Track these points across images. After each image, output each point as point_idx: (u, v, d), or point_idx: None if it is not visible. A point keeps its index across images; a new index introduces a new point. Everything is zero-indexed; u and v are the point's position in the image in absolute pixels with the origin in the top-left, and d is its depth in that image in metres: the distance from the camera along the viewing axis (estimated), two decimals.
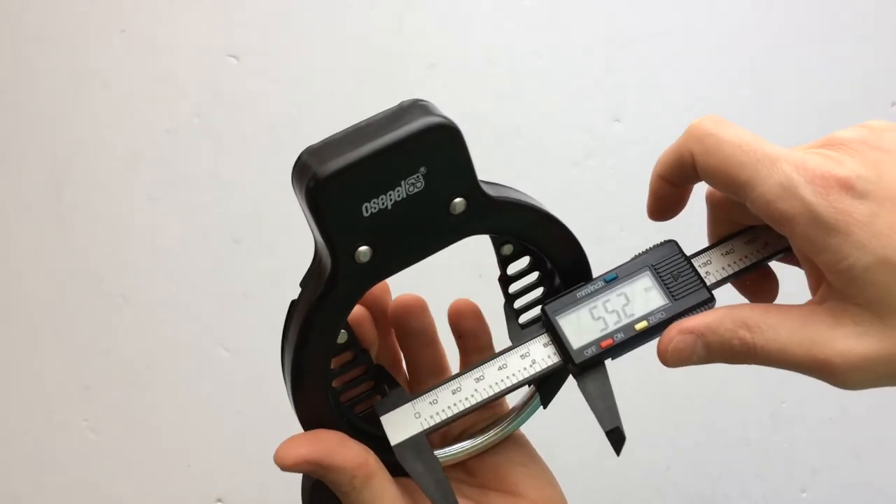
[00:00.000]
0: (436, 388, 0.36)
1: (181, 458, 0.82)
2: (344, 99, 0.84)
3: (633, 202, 0.87)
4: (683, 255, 0.37)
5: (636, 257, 0.37)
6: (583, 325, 0.36)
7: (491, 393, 0.36)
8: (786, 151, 0.31)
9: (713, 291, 0.36)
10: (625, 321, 0.35)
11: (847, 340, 0.30)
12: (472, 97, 0.84)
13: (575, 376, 0.36)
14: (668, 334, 0.34)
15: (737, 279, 0.37)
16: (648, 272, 0.36)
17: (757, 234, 0.37)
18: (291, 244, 0.83)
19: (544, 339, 0.37)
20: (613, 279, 0.36)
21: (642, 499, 0.80)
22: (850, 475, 0.80)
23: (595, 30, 0.85)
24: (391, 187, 0.31)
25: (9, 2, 0.87)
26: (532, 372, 0.36)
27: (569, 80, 0.84)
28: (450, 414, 0.35)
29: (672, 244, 0.37)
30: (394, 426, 0.36)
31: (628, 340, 0.35)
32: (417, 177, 0.31)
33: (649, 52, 0.84)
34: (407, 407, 0.36)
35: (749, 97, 0.83)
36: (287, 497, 0.82)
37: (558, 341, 0.36)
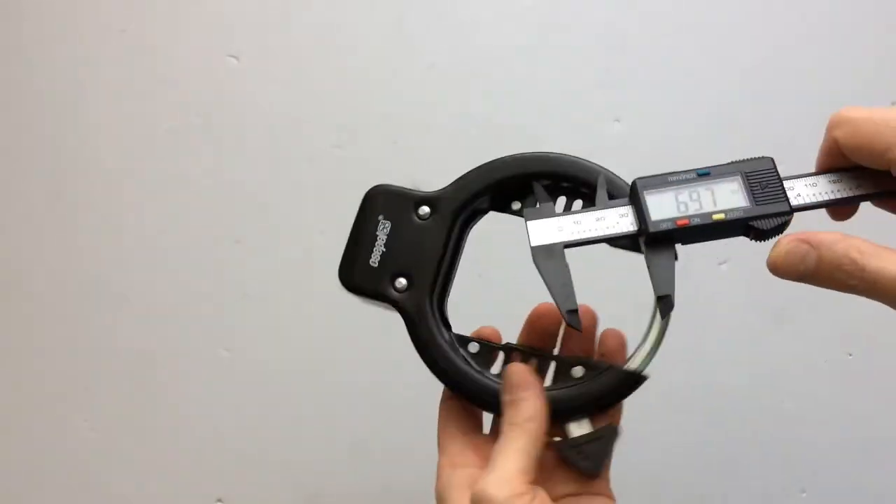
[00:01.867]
0: (580, 212, 0.40)
1: (181, 458, 0.82)
2: (344, 99, 0.84)
3: None
4: (776, 171, 0.39)
5: (732, 162, 0.39)
6: (665, 203, 0.38)
7: (617, 230, 0.40)
8: None
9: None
10: (705, 210, 0.38)
11: None
12: (472, 97, 0.84)
13: (645, 245, 0.39)
14: (784, 239, 0.36)
15: (816, 208, 0.39)
16: (739, 177, 0.39)
17: (847, 175, 0.39)
18: (291, 244, 0.83)
19: (622, 210, 0.40)
20: (706, 174, 0.39)
21: (642, 499, 0.80)
22: (850, 475, 0.80)
23: (595, 30, 0.85)
24: (375, 239, 0.43)
25: (9, 2, 0.87)
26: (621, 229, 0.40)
27: (569, 80, 0.84)
28: (590, 235, 0.40)
29: (769, 160, 0.39)
30: (536, 231, 0.40)
31: (703, 227, 0.38)
32: (382, 222, 0.44)
33: (649, 52, 0.84)
34: (552, 220, 0.40)
35: (749, 97, 0.83)
36: (287, 497, 0.82)
37: (639, 212, 0.39)
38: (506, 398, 0.40)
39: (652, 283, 0.38)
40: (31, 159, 0.85)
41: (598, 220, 0.40)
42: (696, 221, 0.38)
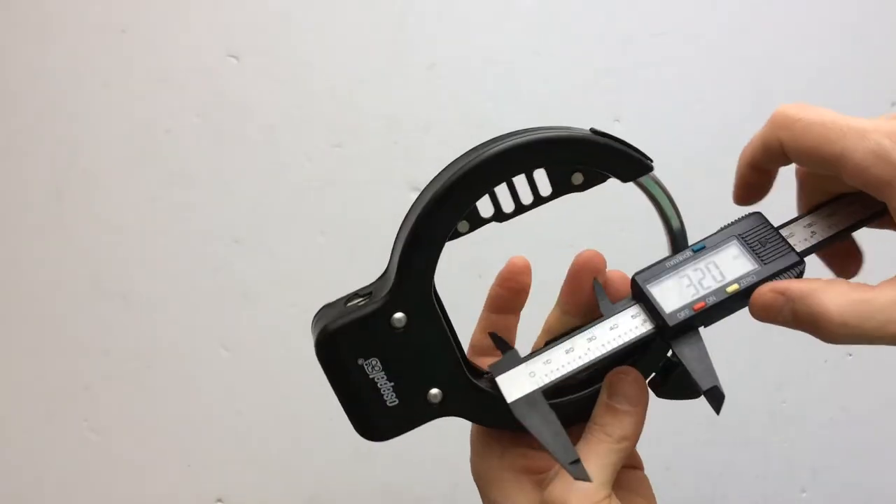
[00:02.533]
0: (547, 349, 0.37)
1: (181, 458, 0.82)
2: (344, 99, 0.84)
3: (632, 202, 0.87)
4: (769, 224, 0.37)
5: (722, 229, 0.38)
6: (673, 291, 0.36)
7: (602, 352, 0.37)
8: (873, 122, 0.33)
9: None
10: (716, 285, 0.36)
11: None
12: (472, 97, 0.84)
13: (670, 340, 0.36)
14: (761, 290, 0.35)
15: (822, 248, 0.37)
16: (736, 241, 0.37)
17: (838, 206, 0.37)
18: (291, 244, 0.83)
19: (632, 311, 0.37)
20: (701, 249, 0.37)
21: None
22: (850, 475, 0.80)
23: (595, 30, 0.85)
24: (374, 384, 0.38)
25: (9, 2, 0.87)
26: (621, 342, 0.37)
27: (569, 80, 0.84)
28: (563, 372, 0.37)
29: (758, 215, 0.37)
30: (509, 385, 0.37)
31: (720, 304, 0.36)
32: (366, 364, 0.37)
33: (649, 52, 0.84)
34: (521, 367, 0.37)
35: (749, 97, 0.83)
36: (287, 497, 0.82)
37: (650, 309, 0.36)
38: (609, 402, 0.37)
39: (694, 378, 0.36)
40: (31, 159, 0.85)
41: (611, 328, 0.37)
42: (712, 301, 0.36)
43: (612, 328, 0.37)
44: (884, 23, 0.84)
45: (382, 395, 0.38)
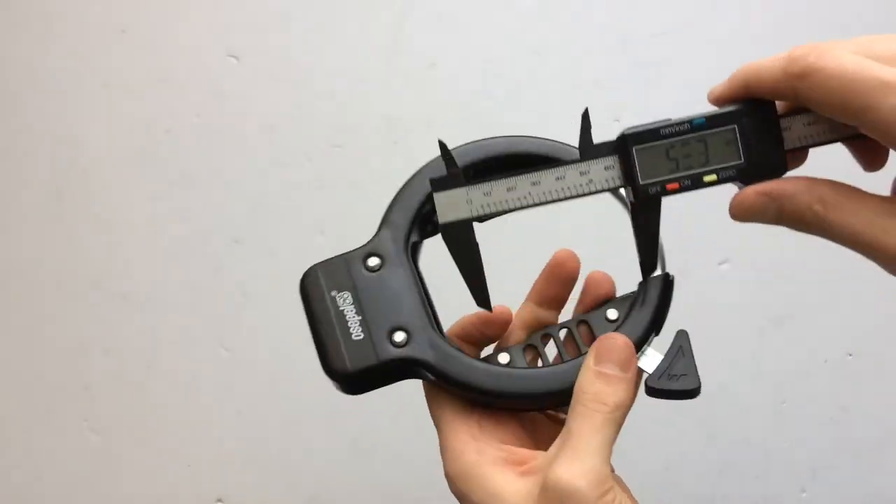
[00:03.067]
0: (492, 181, 0.37)
1: (181, 458, 0.82)
2: (344, 99, 0.84)
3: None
4: (775, 118, 0.36)
5: (731, 108, 0.37)
6: (656, 161, 0.36)
7: (544, 199, 0.37)
8: None
9: (799, 154, 0.36)
10: (696, 170, 0.36)
11: None
12: (472, 97, 0.84)
13: (631, 205, 0.37)
14: (745, 193, 0.35)
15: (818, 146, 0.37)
16: (735, 127, 0.36)
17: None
18: (291, 244, 0.83)
19: (608, 161, 0.37)
20: (700, 124, 0.36)
21: (642, 499, 0.80)
22: (850, 475, 0.80)
23: (595, 29, 0.85)
24: (343, 315, 0.38)
25: (9, 2, 0.87)
26: (587, 189, 0.37)
27: (569, 80, 0.84)
28: (500, 208, 0.37)
29: (771, 103, 0.36)
30: (445, 206, 0.37)
31: (692, 187, 0.36)
32: (338, 296, 0.39)
33: (649, 51, 0.84)
34: (461, 191, 0.37)
35: None
36: (287, 497, 0.82)
37: (628, 169, 0.36)
38: (598, 369, 0.36)
39: (637, 248, 0.38)
40: (31, 159, 0.85)
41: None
42: (687, 184, 0.36)
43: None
44: (884, 23, 0.84)
45: (349, 327, 0.38)
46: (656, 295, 0.39)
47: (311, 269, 0.39)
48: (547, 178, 0.37)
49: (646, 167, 0.36)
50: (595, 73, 0.84)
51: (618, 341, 0.37)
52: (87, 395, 0.83)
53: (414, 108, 0.83)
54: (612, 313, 0.40)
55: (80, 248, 0.84)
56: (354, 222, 0.83)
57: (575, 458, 0.34)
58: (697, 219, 0.83)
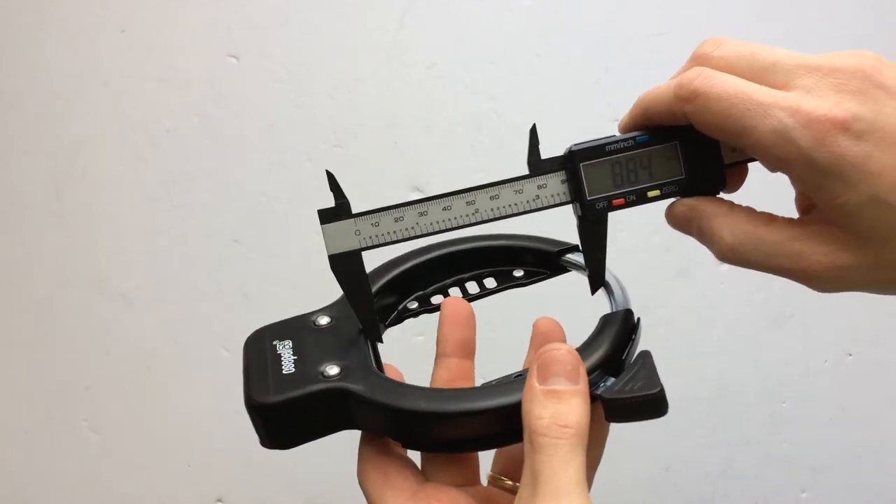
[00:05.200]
0: (379, 212, 0.38)
1: (181, 458, 0.82)
2: (344, 99, 0.84)
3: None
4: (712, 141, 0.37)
5: (672, 128, 0.37)
6: (602, 177, 0.37)
7: (436, 228, 0.37)
8: (779, 96, 0.32)
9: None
10: (640, 186, 0.37)
11: (831, 256, 0.33)
12: (472, 97, 0.84)
13: (579, 220, 0.38)
14: (680, 202, 0.37)
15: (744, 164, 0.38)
16: (677, 143, 0.37)
17: None
18: (291, 244, 0.83)
19: (547, 179, 0.37)
20: (644, 141, 0.37)
21: (642, 499, 0.80)
22: (850, 475, 0.80)
23: (594, 30, 0.85)
24: (279, 358, 0.39)
25: (9, 2, 0.87)
26: (552, 202, 0.37)
27: (568, 80, 0.84)
28: (388, 239, 0.38)
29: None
30: (334, 237, 0.38)
31: (637, 202, 0.37)
32: (280, 343, 0.40)
33: (648, 52, 0.84)
34: (349, 222, 0.38)
35: None
36: (287, 497, 0.82)
37: (575, 185, 0.37)
38: (546, 387, 0.31)
39: (585, 260, 0.38)
40: (32, 159, 0.85)
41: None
42: (632, 199, 0.37)
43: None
44: (884, 23, 0.84)
45: (282, 364, 0.38)
46: (614, 331, 0.37)
47: (258, 329, 0.40)
48: (433, 210, 0.37)
49: (593, 183, 0.37)
50: (595, 73, 0.84)
51: (559, 350, 0.32)
52: (87, 395, 0.83)
53: (414, 108, 0.83)
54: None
55: (80, 248, 0.84)
56: None
57: (555, 501, 0.29)
58: None
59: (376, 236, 0.37)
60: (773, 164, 0.33)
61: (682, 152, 0.37)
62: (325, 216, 0.38)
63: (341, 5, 0.85)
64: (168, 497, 0.82)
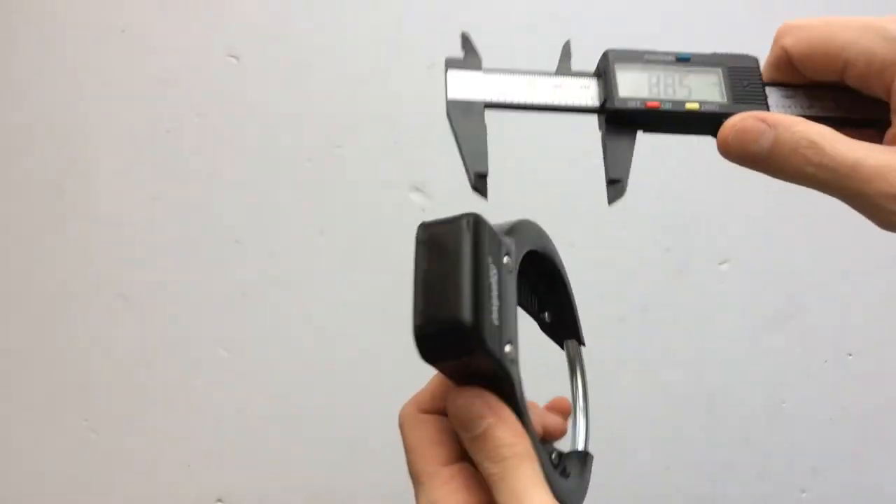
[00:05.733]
0: (509, 72, 0.37)
1: (181, 458, 0.82)
2: (344, 99, 0.84)
3: (633, 203, 0.87)
4: (759, 72, 0.36)
5: (715, 54, 0.36)
6: (638, 81, 0.35)
7: (573, 102, 0.36)
8: (872, 17, 0.32)
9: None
10: (678, 96, 0.35)
11: None
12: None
13: (605, 124, 0.35)
14: (741, 116, 0.33)
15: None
16: (720, 70, 0.35)
17: (826, 92, 0.35)
18: (291, 244, 0.83)
19: (588, 81, 0.36)
20: (686, 59, 0.35)
21: (643, 499, 0.80)
22: (850, 475, 0.80)
23: (594, 30, 0.85)
24: (490, 290, 0.31)
25: (9, 2, 0.87)
26: (580, 103, 0.36)
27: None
28: (513, 101, 0.36)
29: (754, 59, 0.36)
30: (457, 84, 0.36)
31: (672, 113, 0.34)
32: (491, 267, 0.31)
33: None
34: (477, 73, 0.37)
35: None
36: (287, 497, 0.82)
37: (607, 84, 0.35)
38: (468, 435, 0.31)
39: (605, 165, 0.34)
40: (32, 159, 0.85)
41: (555, 87, 0.37)
42: (668, 107, 0.34)
43: (555, 87, 0.37)
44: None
45: (492, 307, 0.30)
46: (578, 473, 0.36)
47: (478, 217, 0.32)
48: (544, 84, 0.37)
49: (626, 83, 0.35)
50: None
51: (458, 400, 0.31)
52: (87, 395, 0.83)
53: (414, 108, 0.83)
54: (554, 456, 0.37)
55: (80, 248, 0.84)
56: (354, 222, 0.83)
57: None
58: (697, 219, 0.83)
59: (504, 94, 0.36)
60: (877, 72, 0.32)
61: (726, 80, 0.35)
62: (453, 63, 0.36)
63: (341, 5, 0.85)
64: (168, 497, 0.82)
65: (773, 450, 0.80)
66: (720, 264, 0.80)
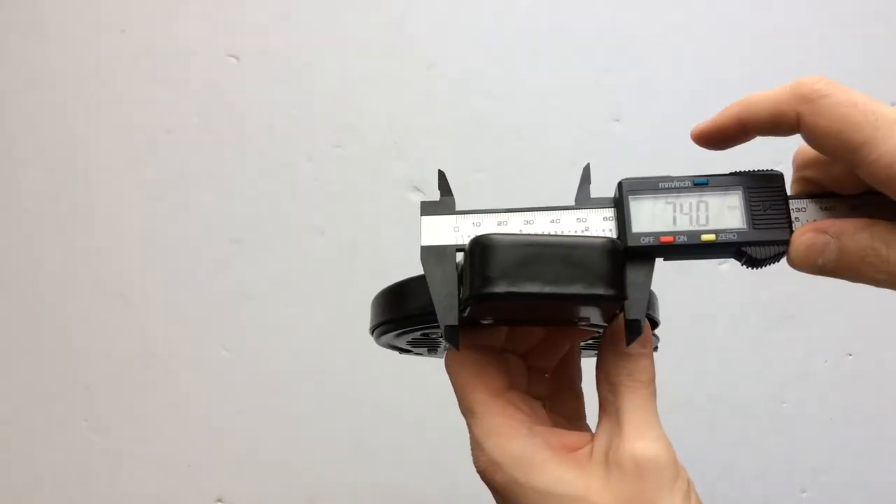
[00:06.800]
0: (483, 212, 0.35)
1: (181, 458, 0.82)
2: (344, 99, 0.84)
3: None
4: (784, 190, 0.34)
5: (736, 173, 0.35)
6: (652, 213, 0.34)
7: (559, 234, 0.35)
8: None
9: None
10: (694, 227, 0.34)
11: None
12: (472, 97, 0.84)
13: (624, 258, 0.34)
14: (802, 230, 0.33)
15: None
16: (741, 192, 0.34)
17: (861, 203, 0.34)
18: (291, 244, 0.83)
19: (606, 212, 0.35)
20: (703, 184, 0.34)
21: None
22: (850, 475, 0.80)
23: (595, 30, 0.85)
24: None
25: (9, 2, 0.87)
26: (598, 237, 0.34)
27: (568, 80, 0.84)
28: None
29: (779, 177, 0.34)
30: (430, 230, 0.35)
31: (689, 246, 0.34)
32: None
33: (649, 52, 0.84)
34: (449, 218, 0.36)
35: None
36: (287, 497, 0.82)
37: (621, 219, 0.34)
38: (626, 350, 0.35)
39: (626, 302, 0.34)
40: (32, 159, 0.85)
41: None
42: (682, 240, 0.33)
43: (578, 220, 0.35)
44: (885, 23, 0.84)
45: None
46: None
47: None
48: (541, 219, 0.35)
49: (640, 217, 0.34)
50: (595, 74, 0.84)
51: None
52: (87, 395, 0.83)
53: (413, 108, 0.83)
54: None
55: (80, 248, 0.84)
56: (354, 222, 0.83)
57: (641, 432, 0.33)
58: None
59: (475, 235, 0.34)
60: (893, 186, 0.30)
61: (746, 201, 0.34)
62: (427, 209, 0.36)
63: (341, 5, 0.85)
64: (168, 497, 0.82)
65: (773, 450, 0.80)
66: (720, 264, 0.80)
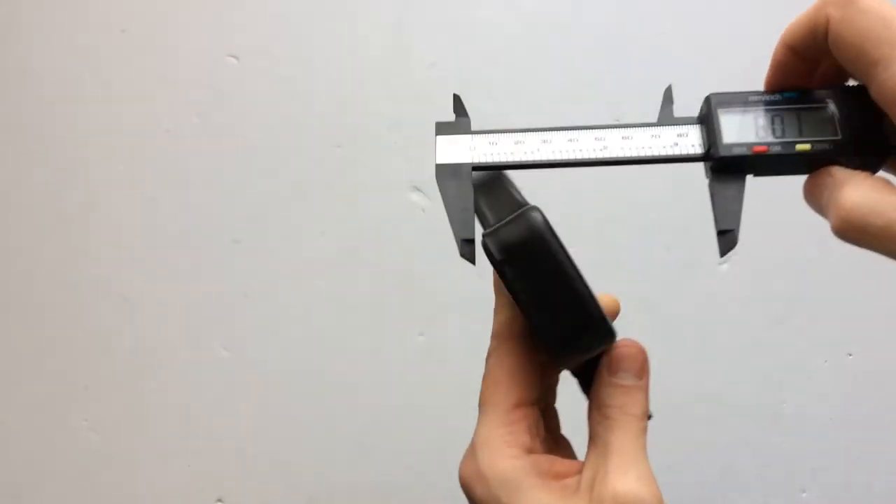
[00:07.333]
0: (500, 132, 0.36)
1: (181, 458, 0.82)
2: (344, 99, 0.84)
3: (634, 202, 0.87)
4: (872, 104, 0.32)
5: (824, 87, 0.34)
6: (743, 125, 0.33)
7: (558, 158, 0.35)
8: None
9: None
10: (788, 137, 0.33)
11: None
12: (471, 97, 0.83)
13: (711, 172, 0.34)
14: (819, 173, 0.31)
15: None
16: (833, 103, 0.33)
17: None
18: (291, 244, 0.83)
19: (682, 129, 0.35)
20: (792, 97, 0.33)
21: None
22: (850, 475, 0.80)
23: (595, 30, 0.85)
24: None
25: (9, 2, 0.87)
26: (681, 152, 0.34)
27: (568, 80, 0.84)
28: (503, 160, 0.35)
29: (865, 90, 0.32)
30: (446, 148, 0.36)
31: (783, 157, 0.32)
32: None
33: (649, 52, 0.84)
34: (465, 137, 0.36)
35: None
36: (287, 497, 0.82)
37: (710, 132, 0.33)
38: (614, 380, 0.34)
39: (714, 215, 0.33)
40: (32, 159, 0.85)
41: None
42: (776, 150, 0.32)
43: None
44: None
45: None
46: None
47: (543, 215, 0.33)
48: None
49: (730, 129, 0.33)
50: (595, 73, 0.84)
51: (631, 349, 0.35)
52: (87, 395, 0.83)
53: (414, 108, 0.83)
54: None
55: (80, 248, 0.84)
56: (354, 222, 0.83)
57: (626, 469, 0.33)
58: (697, 219, 0.83)
59: (491, 154, 0.35)
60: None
61: (837, 113, 0.33)
62: (442, 128, 0.37)
63: (341, 6, 0.85)
64: (168, 497, 0.82)
65: (773, 450, 0.80)
66: (720, 264, 0.80)
